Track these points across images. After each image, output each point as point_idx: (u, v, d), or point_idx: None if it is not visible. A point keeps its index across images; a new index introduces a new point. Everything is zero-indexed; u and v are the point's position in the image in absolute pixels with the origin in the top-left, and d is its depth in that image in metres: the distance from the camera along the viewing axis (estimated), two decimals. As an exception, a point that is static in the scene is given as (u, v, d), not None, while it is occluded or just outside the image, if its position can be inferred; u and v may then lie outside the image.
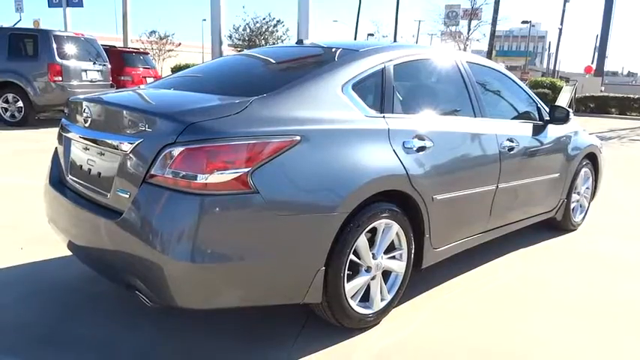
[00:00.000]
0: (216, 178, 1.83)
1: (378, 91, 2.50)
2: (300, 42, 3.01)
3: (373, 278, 2.40)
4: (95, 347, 2.20)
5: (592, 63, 32.65)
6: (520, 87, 3.66)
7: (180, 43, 29.67)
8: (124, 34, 22.30)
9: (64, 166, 2.47)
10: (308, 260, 2.08)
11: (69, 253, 3.16)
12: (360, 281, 2.33)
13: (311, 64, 2.52)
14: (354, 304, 2.32)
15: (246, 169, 1.88)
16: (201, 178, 1.82)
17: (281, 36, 24.74)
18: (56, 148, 2.67)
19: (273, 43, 24.08)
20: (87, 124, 2.23)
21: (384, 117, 2.44)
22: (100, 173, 2.18)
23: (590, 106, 19.98)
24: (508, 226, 3.38)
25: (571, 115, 3.67)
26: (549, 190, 3.72)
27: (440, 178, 2.62)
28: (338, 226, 2.12)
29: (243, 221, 1.90)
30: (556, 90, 20.09)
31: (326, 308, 2.23)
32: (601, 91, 22.53)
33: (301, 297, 2.11)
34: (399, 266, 2.52)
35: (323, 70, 2.36)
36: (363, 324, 2.39)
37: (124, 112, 2.09)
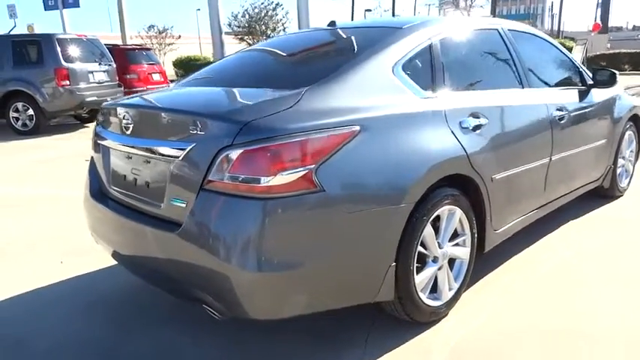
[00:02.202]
0: (281, 179, 1.70)
1: (427, 70, 2.34)
2: (332, 24, 2.84)
3: (440, 268, 2.28)
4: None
5: (596, 20, 31.85)
6: (561, 51, 3.47)
7: (180, 36, 29.30)
8: (121, 32, 22.02)
9: (105, 177, 2.35)
10: (378, 257, 1.96)
11: (109, 263, 3.11)
12: (428, 273, 2.21)
13: (353, 47, 2.36)
14: (424, 297, 2.20)
15: (311, 167, 1.74)
16: (265, 181, 1.69)
17: (281, 19, 24.32)
18: (92, 157, 2.55)
19: (274, 28, 23.70)
20: (128, 132, 2.09)
21: (437, 97, 2.29)
22: (147, 183, 2.05)
23: (602, 64, 19.52)
24: (560, 199, 3.23)
25: (617, 77, 3.48)
26: (597, 158, 3.56)
27: (497, 156, 2.47)
28: (406, 217, 2.00)
29: (311, 223, 1.77)
30: (566, 51, 19.59)
31: (397, 305, 2.12)
32: (607, 48, 21.98)
33: (373, 296, 2.00)
34: (463, 253, 2.39)
35: (371, 52, 2.20)
36: (434, 317, 2.28)
37: (171, 115, 1.95)
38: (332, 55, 2.44)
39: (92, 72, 9.49)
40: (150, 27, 28.90)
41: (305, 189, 1.73)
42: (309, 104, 1.87)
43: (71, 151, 7.37)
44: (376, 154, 1.93)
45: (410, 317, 2.19)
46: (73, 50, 9.24)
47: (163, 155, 1.92)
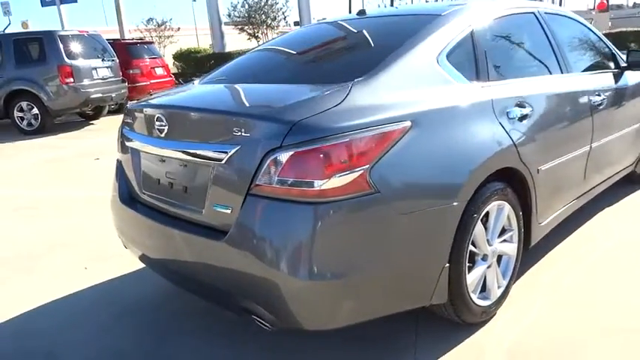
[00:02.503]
0: (334, 182, 1.59)
1: (471, 58, 2.22)
2: (362, 12, 2.71)
3: (489, 266, 2.18)
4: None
5: (598, -3, 31.34)
6: (594, 33, 3.34)
7: (179, 28, 28.95)
8: (119, 26, 21.75)
9: (136, 181, 2.25)
10: (433, 259, 1.86)
11: (133, 268, 3.02)
12: (478, 272, 2.12)
13: (393, 37, 2.23)
14: (475, 297, 2.11)
15: (365, 167, 1.64)
16: (318, 185, 1.58)
17: (281, 8, 24.01)
18: (119, 161, 2.44)
19: (274, 17, 23.40)
20: (162, 134, 1.98)
21: (482, 87, 2.17)
22: (185, 188, 1.95)
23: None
24: (598, 186, 3.13)
25: (654, 57, 3.35)
26: (632, 142, 3.45)
27: (542, 146, 2.36)
28: (459, 215, 1.89)
29: (365, 227, 1.67)
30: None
31: (449, 307, 2.02)
32: (609, 26, 21.67)
33: (427, 299, 1.90)
34: (511, 249, 2.29)
35: (413, 42, 2.07)
36: (485, 317, 2.18)
37: (212, 116, 1.83)
38: (371, 47, 2.31)
39: (95, 68, 9.34)
40: (149, 20, 28.57)
41: (359, 191, 1.63)
42: (357, 100, 1.76)
43: (80, 150, 7.27)
44: (428, 151, 1.82)
45: (461, 319, 2.10)
46: (76, 47, 9.08)
47: (204, 159, 1.81)
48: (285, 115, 1.66)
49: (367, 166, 1.64)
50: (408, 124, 1.77)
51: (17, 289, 2.91)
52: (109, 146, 7.37)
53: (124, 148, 2.36)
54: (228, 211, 1.74)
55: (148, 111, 2.09)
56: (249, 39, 26.47)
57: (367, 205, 1.65)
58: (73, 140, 8.23)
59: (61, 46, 8.76)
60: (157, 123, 1.99)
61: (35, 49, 8.92)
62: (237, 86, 2.23)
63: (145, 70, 11.73)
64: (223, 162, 1.74)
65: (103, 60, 9.59)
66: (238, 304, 1.80)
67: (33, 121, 8.92)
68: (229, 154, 1.72)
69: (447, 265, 1.90)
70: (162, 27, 28.43)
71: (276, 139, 1.62)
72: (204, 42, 26.24)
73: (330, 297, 1.68)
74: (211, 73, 2.67)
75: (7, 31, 11.86)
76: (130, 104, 2.34)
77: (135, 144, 2.23)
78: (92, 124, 9.92)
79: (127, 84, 10.35)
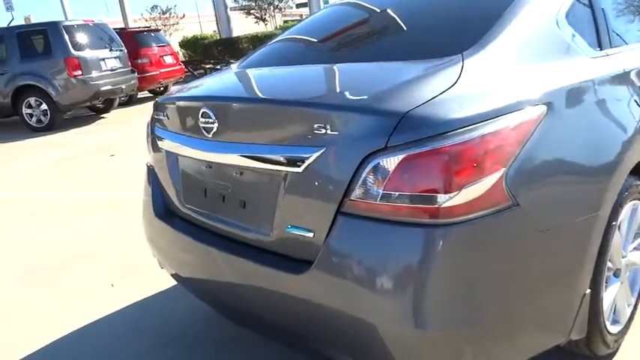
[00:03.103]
0: (465, 195, 1.15)
1: (590, 21, 1.75)
2: None
3: (622, 283, 1.74)
4: None
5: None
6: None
7: (184, 15, 28.26)
8: (123, 15, 21.25)
9: (175, 192, 1.82)
10: (573, 285, 1.42)
11: (165, 284, 2.62)
12: (612, 292, 1.67)
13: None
14: (608, 324, 1.67)
15: (501, 172, 1.19)
16: (442, 200, 1.14)
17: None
18: (150, 167, 2.01)
19: (282, -1, 22.69)
20: (209, 134, 1.54)
21: (608, 55, 1.70)
22: (243, 202, 1.51)
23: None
24: None
25: None
26: None
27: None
28: (603, 227, 1.45)
29: (500, 254, 1.22)
30: None
31: (582, 340, 1.59)
32: None
33: (565, 335, 1.46)
34: (640, 258, 1.85)
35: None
36: (617, 346, 1.75)
37: (282, 109, 1.38)
38: (469, 6, 1.80)
39: (104, 59, 8.90)
40: (153, 7, 27.91)
41: (494, 205, 1.18)
42: (475, 78, 1.30)
43: (93, 146, 6.87)
44: (567, 143, 1.36)
45: (593, 353, 1.66)
46: (82, 37, 8.63)
47: (273, 165, 1.38)
48: (387, 103, 1.21)
49: (503, 169, 1.19)
50: (542, 108, 1.32)
51: (37, 313, 2.54)
52: (124, 141, 6.97)
53: (156, 150, 1.93)
54: (310, 235, 1.31)
55: (189, 104, 1.65)
56: (256, 22, 25.79)
57: (504, 223, 1.20)
58: (85, 136, 7.83)
59: (66, 37, 8.31)
60: (203, 120, 1.55)
61: (40, 41, 8.48)
62: (303, 69, 1.76)
63: (154, 59, 11.25)
64: (301, 170, 1.29)
65: (110, 50, 9.14)
66: (319, 350, 1.38)
67: (42, 118, 8.54)
68: (310, 159, 1.27)
69: (588, 291, 1.46)
70: (167, 14, 27.80)
71: (379, 139, 1.17)
72: (207, 29, 25.60)
73: (451, 350, 1.24)
74: (251, 55, 2.22)
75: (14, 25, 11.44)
76: (160, 98, 1.90)
77: (170, 145, 1.80)
78: (103, 117, 9.52)
79: (136, 74, 9.91)
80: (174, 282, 2.20)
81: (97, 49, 8.84)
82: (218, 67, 13.76)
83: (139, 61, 10.85)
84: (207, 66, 14.53)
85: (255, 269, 1.46)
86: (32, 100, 8.43)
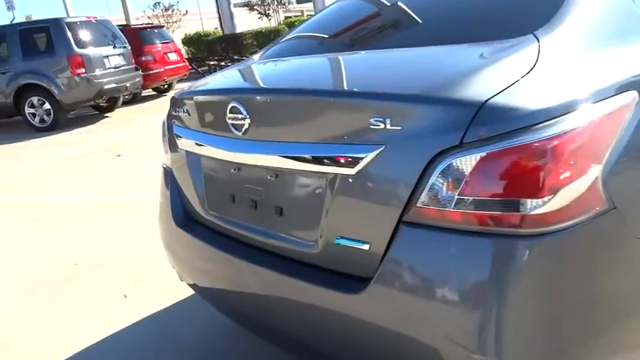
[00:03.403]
0: (560, 199, 0.95)
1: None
2: None
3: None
4: None
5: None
6: None
7: (187, 11, 27.99)
8: (124, 12, 21.05)
9: (197, 196, 1.63)
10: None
11: (181, 294, 2.45)
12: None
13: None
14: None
15: (597, 170, 1.00)
16: (533, 206, 0.95)
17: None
18: (167, 168, 1.82)
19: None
20: (240, 132, 1.35)
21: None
22: (280, 209, 1.33)
23: None
24: None
25: None
26: None
27: None
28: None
29: (597, 268, 1.03)
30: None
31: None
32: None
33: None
34: None
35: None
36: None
37: (329, 101, 1.18)
38: None
39: (107, 56, 8.72)
40: (155, 4, 27.63)
41: (590, 210, 0.99)
42: (554, 62, 1.11)
43: (98, 146, 6.70)
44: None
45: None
46: (85, 34, 8.45)
47: (320, 166, 1.18)
48: (460, 91, 1.02)
49: (599, 166, 1.00)
50: (634, 95, 1.12)
51: (42, 330, 2.35)
52: (130, 140, 6.79)
53: (174, 151, 1.74)
54: (364, 248, 1.12)
55: (214, 99, 1.46)
56: (259, 18, 25.53)
57: (600, 232, 1.01)
58: (89, 135, 7.66)
59: (69, 34, 8.14)
60: (231, 115, 1.35)
61: (42, 39, 8.32)
62: (348, 56, 1.54)
63: (158, 56, 11.06)
64: (354, 172, 1.10)
65: (114, 47, 8.96)
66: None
67: (45, 117, 8.37)
68: (366, 159, 1.08)
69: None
70: (170, 11, 27.55)
71: (452, 134, 0.98)
72: (208, 26, 25.36)
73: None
74: (275, 45, 2.02)
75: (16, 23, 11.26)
76: (179, 92, 1.71)
77: (191, 145, 1.61)
78: (107, 116, 9.35)
79: (140, 72, 9.73)
80: (191, 290, 2.04)
81: (101, 46, 8.66)
82: (222, 63, 13.57)
83: (143, 59, 10.66)
84: (212, 63, 14.34)
85: (295, 285, 1.27)
86: (35, 99, 8.26)
